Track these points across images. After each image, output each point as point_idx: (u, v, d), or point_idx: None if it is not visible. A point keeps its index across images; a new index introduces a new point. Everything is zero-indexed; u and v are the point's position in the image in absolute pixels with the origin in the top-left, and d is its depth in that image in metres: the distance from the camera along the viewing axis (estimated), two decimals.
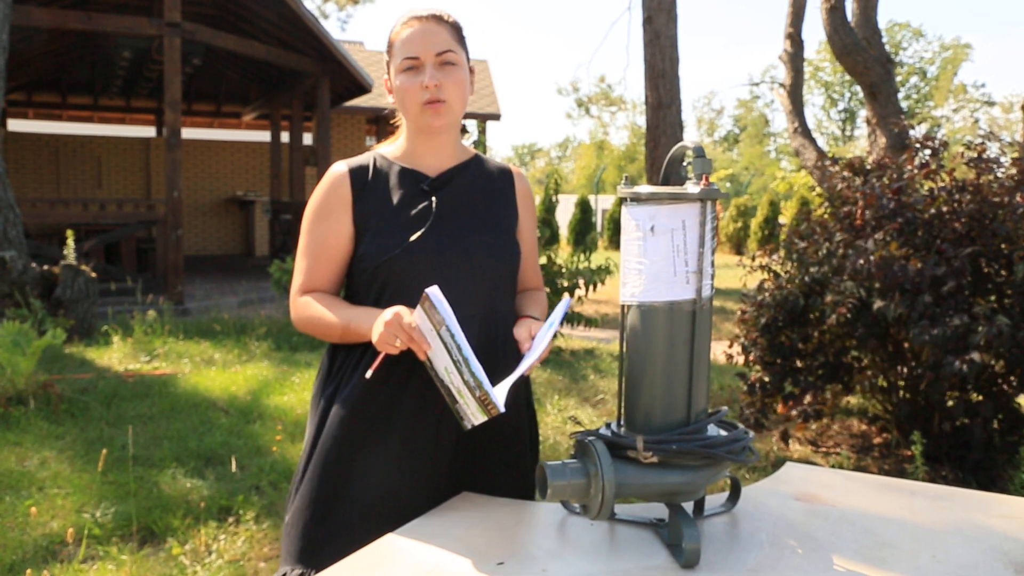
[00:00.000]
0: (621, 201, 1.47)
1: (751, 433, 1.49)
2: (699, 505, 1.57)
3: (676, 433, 1.40)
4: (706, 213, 1.40)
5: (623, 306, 1.47)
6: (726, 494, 1.64)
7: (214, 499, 3.44)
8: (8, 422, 4.45)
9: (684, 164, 1.50)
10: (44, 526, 3.18)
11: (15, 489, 3.53)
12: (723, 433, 1.45)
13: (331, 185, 1.72)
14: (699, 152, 1.43)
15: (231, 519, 3.30)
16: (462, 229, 1.70)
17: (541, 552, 1.43)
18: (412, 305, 1.52)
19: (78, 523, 3.18)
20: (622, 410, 1.49)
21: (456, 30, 1.71)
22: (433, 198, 1.71)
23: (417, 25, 1.66)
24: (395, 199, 1.71)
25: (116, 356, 6.36)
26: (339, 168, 1.75)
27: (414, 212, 1.69)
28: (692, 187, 1.40)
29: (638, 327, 1.44)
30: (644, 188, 1.42)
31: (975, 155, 3.97)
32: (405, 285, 1.63)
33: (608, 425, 1.49)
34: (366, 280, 1.70)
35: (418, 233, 1.67)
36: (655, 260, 1.41)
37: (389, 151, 1.79)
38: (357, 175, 1.73)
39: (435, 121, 1.68)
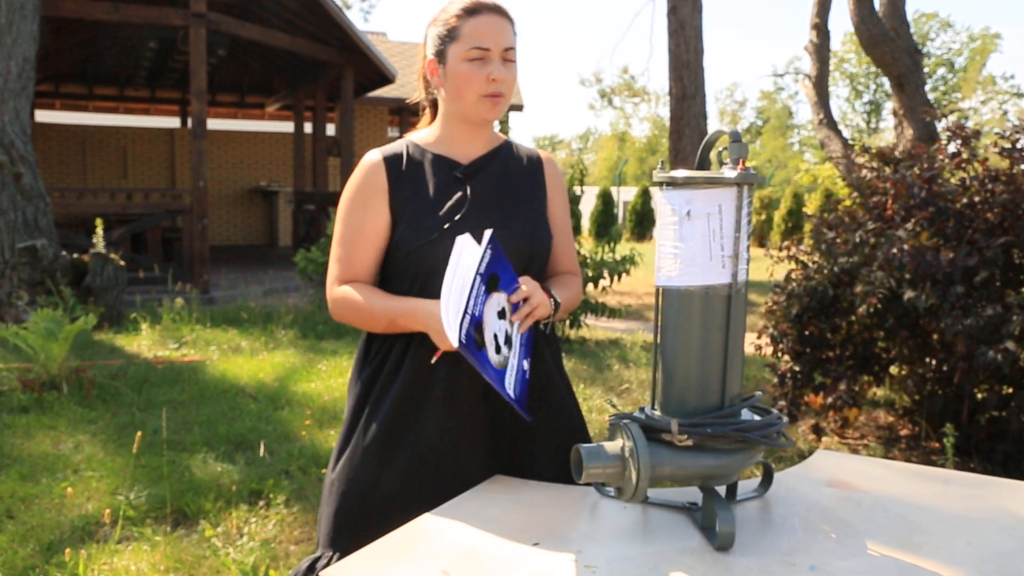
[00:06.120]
0: (657, 185, 1.47)
1: (785, 418, 1.49)
2: (731, 490, 1.58)
3: (711, 417, 1.41)
4: (742, 198, 1.40)
5: (658, 289, 1.48)
6: (758, 480, 1.64)
7: (245, 483, 3.48)
8: (42, 407, 4.53)
9: (720, 149, 1.50)
10: (80, 507, 3.24)
11: (51, 471, 3.60)
12: (757, 418, 1.46)
13: (367, 173, 1.73)
14: (735, 137, 1.43)
15: (262, 503, 3.35)
16: (495, 215, 1.71)
17: (576, 534, 1.43)
18: None
19: (113, 505, 3.23)
20: (656, 394, 1.49)
21: (513, 25, 1.72)
22: (468, 185, 1.73)
23: (489, 16, 1.66)
24: (429, 186, 1.71)
25: (145, 343, 6.45)
26: (374, 156, 1.75)
27: (448, 199, 1.70)
28: (729, 171, 1.40)
29: (673, 311, 1.44)
30: (680, 172, 1.42)
31: (1008, 145, 3.93)
32: (440, 271, 1.64)
33: (642, 409, 1.50)
34: (400, 266, 1.71)
35: (455, 218, 1.68)
36: (691, 244, 1.42)
37: (420, 138, 1.80)
38: (392, 163, 1.73)
39: (490, 114, 1.70)
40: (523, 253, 1.72)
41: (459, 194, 1.71)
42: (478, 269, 1.46)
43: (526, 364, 1.65)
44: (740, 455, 1.42)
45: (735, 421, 1.41)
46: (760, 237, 21.20)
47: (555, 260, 1.87)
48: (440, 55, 1.69)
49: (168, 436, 4.04)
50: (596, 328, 7.97)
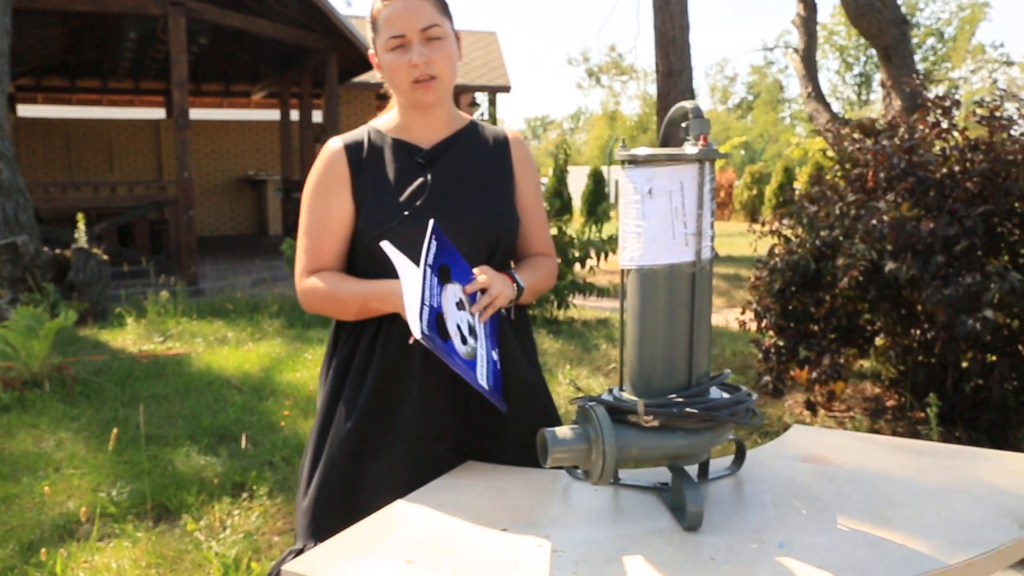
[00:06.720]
0: (619, 164, 1.45)
1: (754, 395, 1.48)
2: (703, 468, 1.57)
3: (678, 396, 1.39)
4: (704, 174, 1.39)
5: (623, 270, 1.46)
6: (731, 457, 1.63)
7: (228, 475, 3.46)
8: (24, 405, 4.49)
9: (683, 125, 1.48)
10: (61, 506, 3.22)
11: (32, 470, 3.57)
12: (726, 396, 1.44)
13: (328, 162, 1.72)
14: (697, 113, 1.41)
15: (244, 495, 3.33)
16: (458, 200, 1.70)
17: (545, 519, 1.43)
18: None
19: (94, 502, 3.21)
20: (624, 374, 1.48)
21: (438, 0, 1.69)
22: (428, 172, 1.71)
23: (399, 1, 1.64)
24: (390, 173, 1.70)
25: (130, 337, 6.41)
26: (335, 144, 1.74)
27: (409, 185, 1.69)
28: (690, 148, 1.38)
29: (638, 291, 1.43)
30: (642, 150, 1.40)
31: (987, 113, 3.91)
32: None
33: (611, 390, 1.49)
34: (364, 254, 1.69)
35: (416, 204, 1.66)
36: (653, 223, 1.40)
37: (382, 124, 1.78)
38: (353, 150, 1.72)
39: (426, 98, 1.68)
40: (488, 237, 1.71)
41: (420, 180, 1.70)
42: (426, 260, 1.45)
43: (495, 355, 1.64)
44: (708, 434, 1.41)
45: (702, 400, 1.40)
46: (752, 212, 21.20)
47: (526, 242, 1.85)
48: (375, 48, 1.71)
49: (151, 431, 4.01)
50: (584, 308, 7.96)
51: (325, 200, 1.70)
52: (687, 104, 1.44)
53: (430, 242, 1.47)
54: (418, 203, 1.67)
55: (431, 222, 1.50)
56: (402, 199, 1.67)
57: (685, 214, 1.39)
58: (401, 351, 1.66)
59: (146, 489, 3.25)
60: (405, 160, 1.72)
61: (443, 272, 1.52)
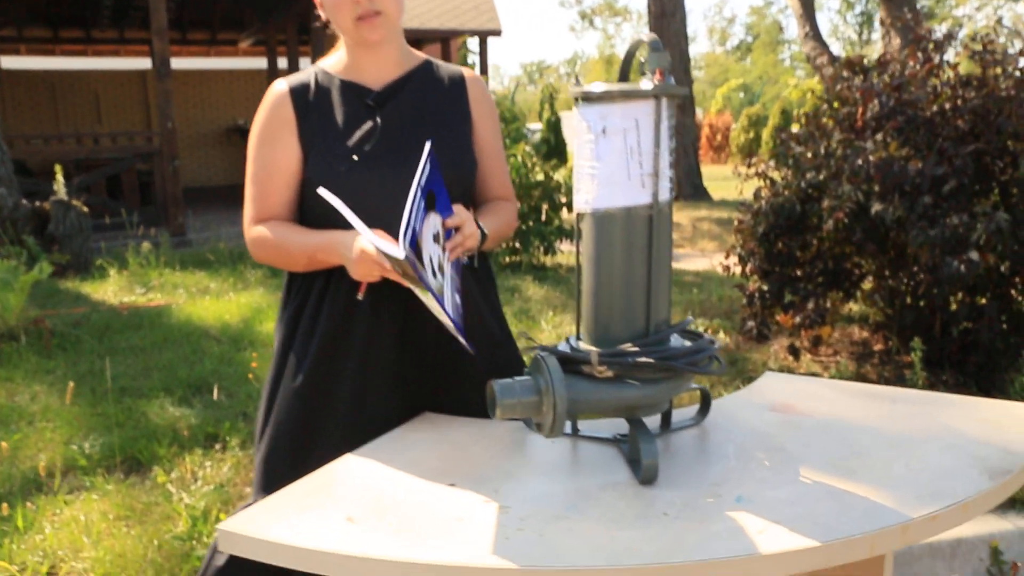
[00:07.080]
0: (573, 101, 1.38)
1: (717, 342, 1.42)
2: (666, 419, 1.52)
3: (634, 345, 1.33)
4: (661, 111, 1.31)
5: (577, 214, 1.39)
6: (697, 407, 1.58)
7: (201, 427, 3.42)
8: None
9: (641, 60, 1.39)
10: (32, 459, 3.18)
11: (4, 423, 3.53)
12: (687, 344, 1.38)
13: (272, 106, 1.64)
14: (655, 46, 1.33)
15: (217, 446, 3.29)
16: (410, 143, 1.62)
17: (496, 472, 1.38)
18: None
19: (65, 455, 3.17)
20: (580, 323, 1.42)
21: None
22: (378, 114, 1.63)
23: None
24: (339, 116, 1.62)
25: (111, 289, 6.33)
26: (279, 87, 1.66)
27: (359, 129, 1.62)
28: (645, 83, 1.30)
29: (593, 235, 1.37)
30: (596, 86, 1.32)
31: (980, 48, 3.78)
32: (353, 205, 1.55)
33: (568, 340, 1.43)
34: (313, 202, 1.62)
35: (365, 148, 1.60)
36: (608, 163, 1.33)
37: (331, 64, 1.70)
38: (298, 93, 1.64)
39: (371, 35, 1.59)
40: (444, 180, 1.63)
41: (369, 123, 1.62)
42: (419, 182, 1.36)
43: (458, 298, 1.57)
44: (666, 384, 1.36)
45: (660, 349, 1.34)
46: (748, 155, 21.03)
47: (485, 186, 1.78)
48: None
49: (127, 383, 3.96)
50: (571, 254, 7.90)
51: (270, 147, 1.63)
52: (644, 36, 1.36)
53: (425, 164, 1.39)
54: (368, 147, 1.60)
55: (427, 144, 1.42)
56: (351, 143, 1.60)
57: (641, 154, 1.32)
58: (348, 305, 1.61)
59: (116, 441, 3.20)
60: (354, 102, 1.64)
61: (429, 200, 1.44)
